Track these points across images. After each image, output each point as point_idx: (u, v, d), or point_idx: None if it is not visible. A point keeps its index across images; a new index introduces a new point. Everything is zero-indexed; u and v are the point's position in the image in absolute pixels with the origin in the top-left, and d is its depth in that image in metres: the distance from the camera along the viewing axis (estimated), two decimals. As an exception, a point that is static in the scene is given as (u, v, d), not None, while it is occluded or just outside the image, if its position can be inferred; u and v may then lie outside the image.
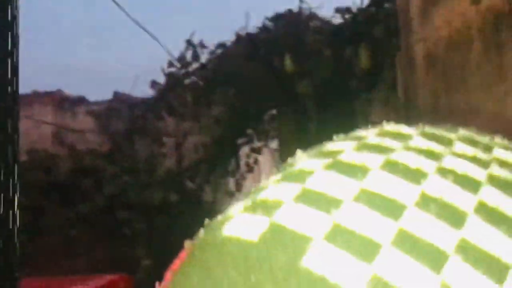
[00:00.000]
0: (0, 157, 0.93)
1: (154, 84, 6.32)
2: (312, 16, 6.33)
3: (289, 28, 6.30)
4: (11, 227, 0.95)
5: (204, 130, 6.51)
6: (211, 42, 6.39)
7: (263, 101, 6.96)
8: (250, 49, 6.35)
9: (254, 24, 6.49)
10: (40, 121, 6.67)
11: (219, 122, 6.69)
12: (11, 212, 0.97)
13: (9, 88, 0.95)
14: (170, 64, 6.21)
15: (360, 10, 5.86)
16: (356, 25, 5.83)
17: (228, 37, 6.46)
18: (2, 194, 0.95)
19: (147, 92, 6.70)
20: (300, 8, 6.37)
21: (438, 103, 3.41)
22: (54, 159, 6.29)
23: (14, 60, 0.95)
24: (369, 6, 5.85)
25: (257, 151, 7.07)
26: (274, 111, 7.38)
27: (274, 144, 7.52)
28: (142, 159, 6.63)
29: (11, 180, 0.96)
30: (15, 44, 0.98)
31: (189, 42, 6.18)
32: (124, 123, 7.19)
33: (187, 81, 6.34)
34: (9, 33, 0.95)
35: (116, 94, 11.46)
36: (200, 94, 6.31)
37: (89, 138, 9.09)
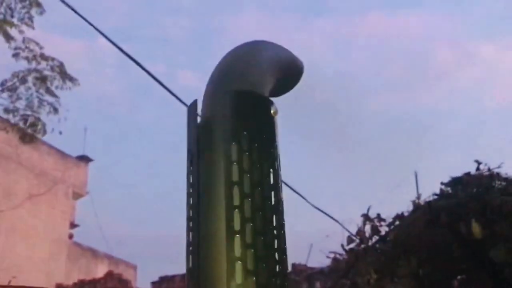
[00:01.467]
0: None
1: (334, 260, 6.32)
2: (495, 176, 6.02)
3: (470, 191, 6.02)
4: None
5: (391, 306, 6.14)
6: (385, 213, 6.35)
7: (449, 267, 6.47)
8: (430, 217, 6.13)
9: (423, 188, 6.36)
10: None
11: (406, 296, 6.29)
12: None
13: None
14: (350, 240, 6.22)
15: (550, 166, 5.44)
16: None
17: (404, 207, 6.37)
18: None
19: (321, 260, 6.70)
20: (479, 169, 6.13)
21: None
22: None
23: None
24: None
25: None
26: (463, 276, 6.79)
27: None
28: None
29: None
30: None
31: (366, 217, 6.21)
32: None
33: (368, 256, 6.23)
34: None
35: (294, 266, 11.70)
36: (382, 267, 6.10)
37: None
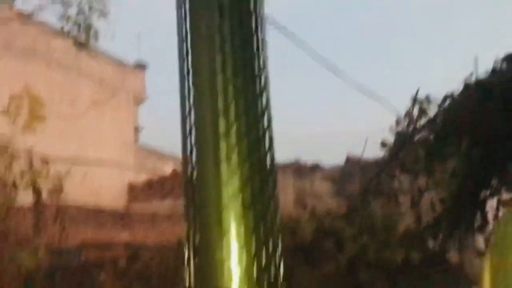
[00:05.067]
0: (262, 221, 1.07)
1: (383, 144, 6.41)
2: (552, 49, 5.70)
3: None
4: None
5: (440, 185, 6.25)
6: (438, 95, 6.24)
7: (504, 148, 6.38)
8: (481, 95, 5.98)
9: (480, 69, 6.13)
10: (283, 188, 7.27)
11: (456, 176, 6.34)
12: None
13: (268, 159, 1.04)
14: (398, 123, 6.25)
15: None
16: None
17: (455, 87, 6.22)
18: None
19: (378, 153, 6.80)
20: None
21: None
22: (297, 222, 6.77)
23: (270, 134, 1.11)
24: None
25: (507, 204, 6.40)
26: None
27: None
28: (379, 219, 6.64)
29: (271, 241, 1.09)
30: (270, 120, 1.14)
31: (415, 99, 6.16)
32: (359, 185, 7.37)
33: (417, 137, 6.26)
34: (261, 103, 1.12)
35: (349, 158, 11.90)
36: (432, 148, 6.13)
37: (327, 201, 9.53)
